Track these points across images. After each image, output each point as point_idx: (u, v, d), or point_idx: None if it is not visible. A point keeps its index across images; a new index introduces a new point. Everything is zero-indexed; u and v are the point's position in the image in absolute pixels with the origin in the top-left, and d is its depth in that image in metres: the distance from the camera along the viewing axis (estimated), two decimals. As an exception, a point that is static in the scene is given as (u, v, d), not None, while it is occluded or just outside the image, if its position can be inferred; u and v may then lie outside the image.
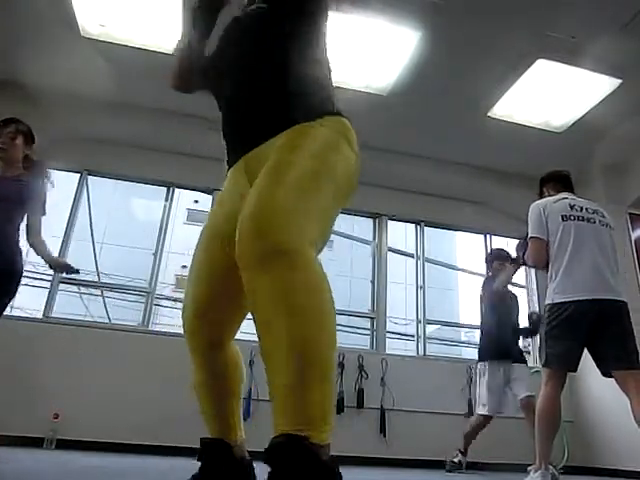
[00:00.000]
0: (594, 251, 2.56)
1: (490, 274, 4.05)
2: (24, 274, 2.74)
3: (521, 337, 3.97)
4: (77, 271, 2.81)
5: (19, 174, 2.79)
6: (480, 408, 3.68)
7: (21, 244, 2.74)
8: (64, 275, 2.93)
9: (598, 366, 2.51)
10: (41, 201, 2.84)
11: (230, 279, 1.09)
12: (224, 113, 1.31)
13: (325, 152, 1.09)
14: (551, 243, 2.64)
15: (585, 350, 2.53)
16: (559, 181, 2.90)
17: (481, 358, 3.79)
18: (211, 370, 1.33)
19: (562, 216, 2.64)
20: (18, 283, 2.64)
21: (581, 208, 2.68)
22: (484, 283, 4.02)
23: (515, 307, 3.92)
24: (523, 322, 3.99)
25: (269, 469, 0.83)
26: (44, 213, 2.85)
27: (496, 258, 4.00)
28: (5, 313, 2.67)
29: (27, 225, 2.77)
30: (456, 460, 3.70)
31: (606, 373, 2.49)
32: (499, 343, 3.72)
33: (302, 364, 0.87)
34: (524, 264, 3.36)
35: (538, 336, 3.72)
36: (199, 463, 1.28)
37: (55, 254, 3.00)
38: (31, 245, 2.78)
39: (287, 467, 0.80)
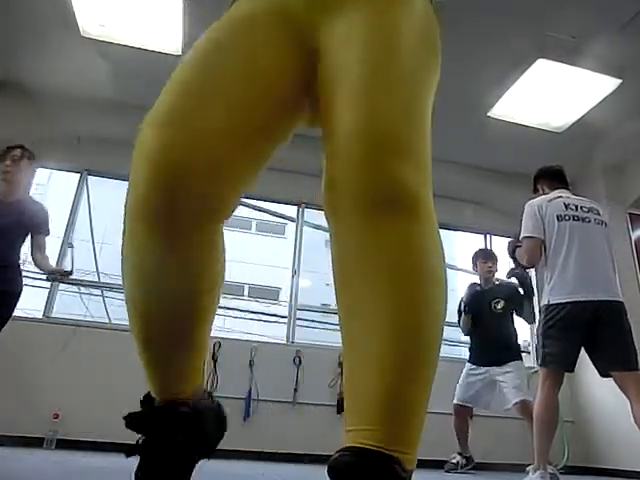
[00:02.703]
0: (590, 251, 2.57)
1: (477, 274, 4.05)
2: (23, 274, 2.86)
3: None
4: (71, 272, 2.96)
5: (21, 199, 2.87)
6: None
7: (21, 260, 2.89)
8: (60, 280, 3.04)
9: (596, 367, 2.51)
10: (46, 222, 2.94)
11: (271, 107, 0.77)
12: None
13: (433, 49, 0.85)
14: (547, 244, 2.64)
15: (584, 350, 2.54)
16: (553, 177, 2.91)
17: (469, 359, 3.84)
18: (177, 261, 0.74)
19: (557, 216, 2.64)
20: (16, 303, 2.86)
21: (576, 207, 2.67)
22: (468, 287, 4.01)
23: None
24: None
25: None
26: (48, 233, 2.95)
27: (480, 257, 4.01)
28: None
29: (32, 243, 2.90)
30: (454, 461, 3.71)
31: (604, 373, 2.49)
32: (485, 349, 3.72)
33: (410, 357, 0.63)
34: (518, 264, 3.38)
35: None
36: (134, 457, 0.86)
37: (53, 261, 3.12)
38: (34, 260, 2.89)
39: None
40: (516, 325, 3.86)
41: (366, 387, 0.61)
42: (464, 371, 3.77)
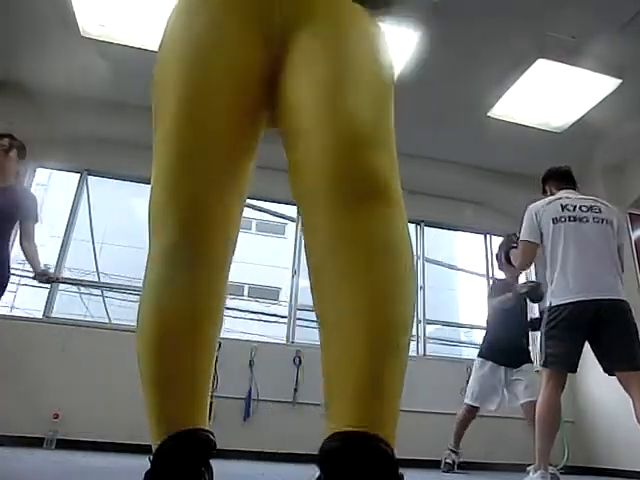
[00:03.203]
0: (587, 251, 2.56)
1: (501, 272, 4.01)
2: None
3: (531, 332, 3.85)
4: (55, 280, 3.03)
5: (10, 186, 2.87)
6: (467, 397, 3.67)
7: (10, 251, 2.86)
8: (43, 284, 3.02)
9: (601, 364, 2.52)
10: (34, 208, 2.92)
11: (242, 152, 0.86)
12: None
13: (390, 65, 0.90)
14: (545, 247, 2.65)
15: (585, 350, 2.54)
16: (559, 178, 2.91)
17: (482, 354, 3.77)
18: (192, 300, 0.81)
19: (553, 219, 2.65)
20: (3, 292, 2.79)
21: (574, 207, 2.67)
22: (494, 283, 4.00)
23: (525, 307, 3.85)
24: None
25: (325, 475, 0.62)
26: (37, 220, 2.93)
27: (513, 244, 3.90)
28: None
29: (21, 231, 2.88)
30: (449, 460, 3.69)
31: (609, 372, 2.49)
32: (504, 347, 3.68)
33: (388, 334, 0.65)
34: (501, 264, 3.41)
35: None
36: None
37: (42, 263, 3.09)
38: (23, 249, 2.87)
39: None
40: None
41: (345, 373, 0.65)
42: (479, 370, 3.70)
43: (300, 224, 0.78)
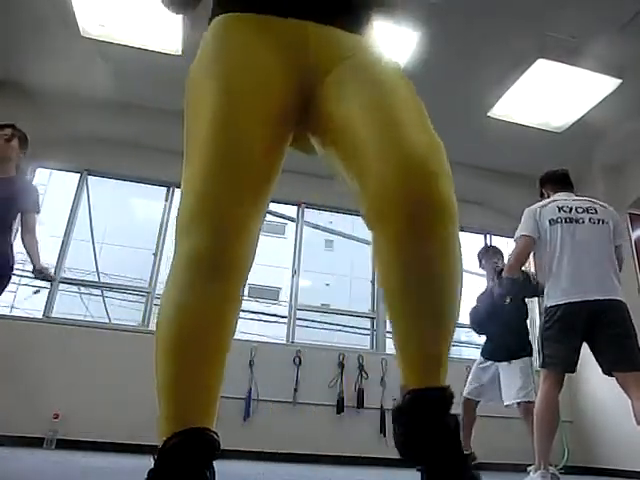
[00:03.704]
0: (582, 252, 2.57)
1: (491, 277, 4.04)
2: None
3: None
4: (51, 279, 2.97)
5: (12, 176, 2.85)
6: (464, 392, 3.70)
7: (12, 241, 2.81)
8: (39, 279, 2.99)
9: (600, 365, 2.52)
10: (34, 198, 2.90)
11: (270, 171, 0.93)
12: None
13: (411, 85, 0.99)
14: (542, 248, 2.66)
15: (584, 350, 2.54)
16: (556, 181, 2.92)
17: (480, 352, 3.84)
18: (211, 305, 0.86)
19: (549, 220, 2.66)
20: (8, 284, 2.75)
21: (570, 209, 2.68)
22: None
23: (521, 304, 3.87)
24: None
25: (428, 422, 0.82)
26: (38, 211, 2.91)
27: (486, 254, 4.00)
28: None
29: (21, 222, 2.85)
30: None
31: (607, 372, 2.50)
32: (496, 343, 3.72)
33: (451, 324, 0.85)
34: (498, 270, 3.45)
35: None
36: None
37: (42, 259, 3.06)
38: (23, 241, 2.84)
39: (449, 418, 0.82)
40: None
41: (418, 347, 0.85)
42: (474, 364, 3.78)
43: (372, 243, 0.87)
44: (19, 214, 2.84)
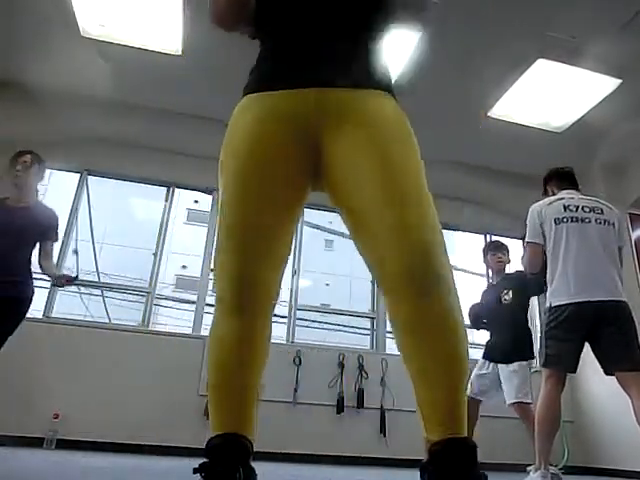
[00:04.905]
0: (588, 252, 2.56)
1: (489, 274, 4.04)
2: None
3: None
4: (76, 277, 2.93)
5: (32, 203, 2.87)
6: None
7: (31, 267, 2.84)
8: (66, 284, 2.98)
9: (601, 365, 2.52)
10: (55, 228, 2.92)
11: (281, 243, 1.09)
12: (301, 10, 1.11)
13: (412, 137, 1.09)
14: (547, 247, 2.65)
15: (585, 350, 2.54)
16: (562, 179, 2.90)
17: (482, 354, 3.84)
18: (247, 335, 1.05)
19: (555, 219, 2.64)
20: (29, 307, 2.79)
21: (576, 208, 2.66)
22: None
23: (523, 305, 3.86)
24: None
25: (448, 472, 0.90)
26: (57, 240, 2.94)
27: (490, 249, 3.98)
28: None
29: (40, 249, 2.88)
30: None
31: (609, 372, 2.49)
32: (495, 346, 3.72)
33: (461, 375, 0.96)
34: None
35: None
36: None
37: (55, 267, 3.09)
38: (41, 266, 2.88)
39: (472, 466, 0.92)
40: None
41: (436, 401, 0.94)
42: (477, 366, 3.77)
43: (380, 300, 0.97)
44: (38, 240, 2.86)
